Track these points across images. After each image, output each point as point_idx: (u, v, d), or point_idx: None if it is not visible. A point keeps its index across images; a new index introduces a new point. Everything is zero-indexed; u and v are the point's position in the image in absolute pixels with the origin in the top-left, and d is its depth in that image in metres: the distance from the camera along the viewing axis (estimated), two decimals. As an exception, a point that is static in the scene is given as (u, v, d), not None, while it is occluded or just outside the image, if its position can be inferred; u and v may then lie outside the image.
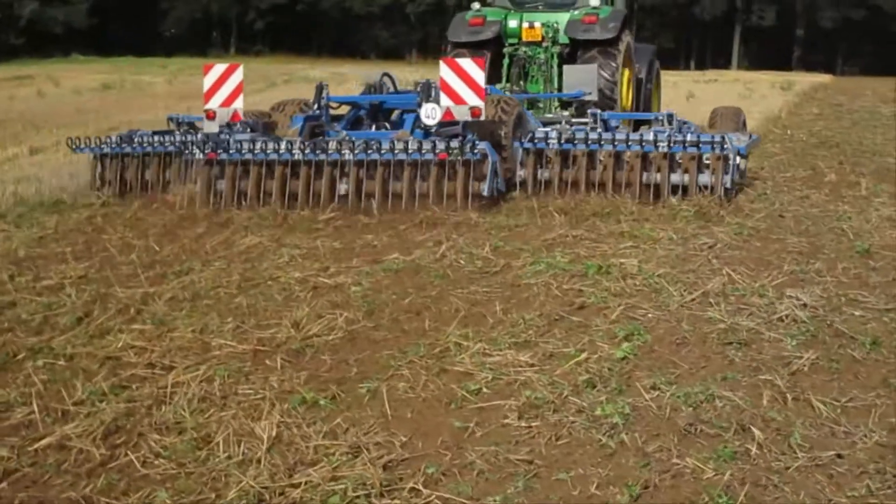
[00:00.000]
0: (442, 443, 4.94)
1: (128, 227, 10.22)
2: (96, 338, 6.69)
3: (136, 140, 12.11)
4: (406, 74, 40.80)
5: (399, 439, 4.98)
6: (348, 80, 36.85)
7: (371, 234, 9.70)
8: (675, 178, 10.97)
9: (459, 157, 10.44)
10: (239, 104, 11.90)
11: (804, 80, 45.55)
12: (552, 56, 15.41)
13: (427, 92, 11.50)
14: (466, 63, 11.23)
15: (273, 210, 10.52)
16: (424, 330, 6.73)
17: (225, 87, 11.93)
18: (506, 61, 15.54)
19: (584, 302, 7.31)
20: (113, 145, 12.22)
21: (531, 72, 15.50)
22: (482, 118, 11.02)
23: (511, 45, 15.64)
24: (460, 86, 11.00)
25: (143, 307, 7.36)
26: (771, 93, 31.91)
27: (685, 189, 10.88)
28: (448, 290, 7.66)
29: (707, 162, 10.90)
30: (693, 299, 7.32)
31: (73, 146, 12.42)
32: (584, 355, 6.07)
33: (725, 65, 74.24)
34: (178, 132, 12.55)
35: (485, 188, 10.65)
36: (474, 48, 15.12)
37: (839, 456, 4.66)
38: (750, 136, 12.65)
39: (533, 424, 5.10)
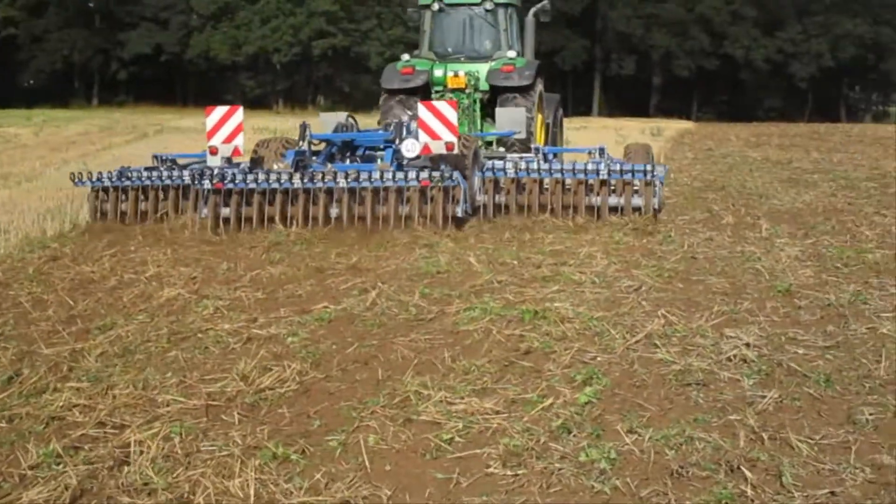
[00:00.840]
0: (430, 495, 4.81)
1: (34, 281, 9.81)
2: (32, 397, 6.36)
3: (133, 175, 13.52)
4: (277, 123, 40.77)
5: (384, 493, 4.83)
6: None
7: (293, 284, 9.52)
8: (612, 200, 13.17)
9: (440, 184, 12.20)
10: (239, 141, 13.75)
11: (670, 125, 46.67)
12: (475, 101, 17.60)
13: (399, 130, 14.17)
14: (442, 105, 13.32)
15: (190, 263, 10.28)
16: (378, 380, 6.58)
17: (226, 127, 13.72)
18: None
19: (530, 347, 7.27)
20: (113, 179, 13.53)
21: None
22: (455, 152, 12.92)
23: (437, 91, 17.66)
24: (436, 124, 13.05)
25: (73, 364, 7.05)
26: (642, 138, 32.39)
27: (621, 209, 13.12)
28: (389, 339, 7.54)
29: (636, 188, 13.18)
30: (637, 341, 7.33)
31: (75, 180, 13.54)
32: (548, 401, 6.01)
33: (587, 112, 75.60)
34: (162, 167, 13.99)
35: (459, 210, 12.39)
36: (406, 94, 17.36)
37: (833, 493, 4.67)
38: (663, 167, 13.98)
39: (519, 472, 5.00)
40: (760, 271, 9.93)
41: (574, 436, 5.46)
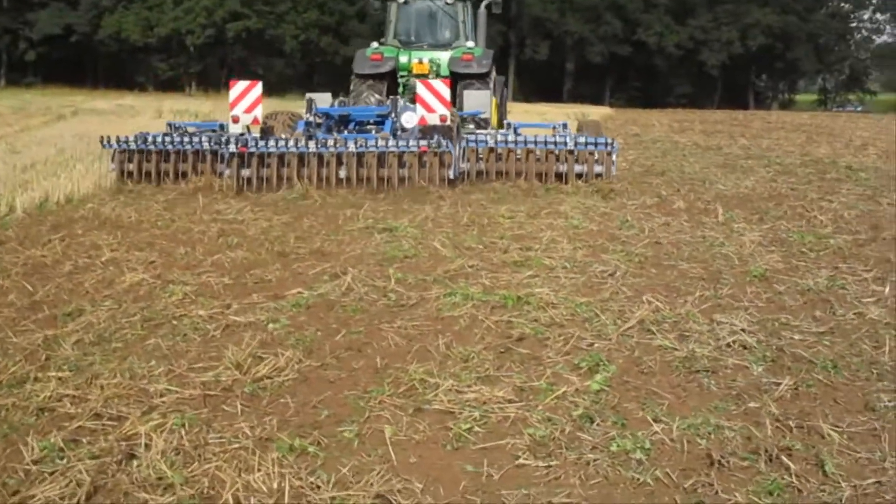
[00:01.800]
0: (465, 489, 4.62)
1: (-16, 266, 9.41)
2: (14, 387, 6.03)
3: (155, 139, 15.45)
4: (196, 106, 40.15)
5: (415, 486, 4.64)
6: (139, 112, 35.97)
7: (259, 269, 9.27)
8: (578, 167, 15.46)
9: (437, 150, 14.39)
10: (258, 112, 15.81)
11: (591, 111, 46.89)
12: None
13: (395, 106, 16.77)
14: (437, 83, 15.80)
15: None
16: (376, 368, 6.38)
17: (246, 99, 15.75)
18: (400, 89, 19.83)
19: (522, 333, 7.12)
20: (138, 143, 15.42)
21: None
22: (448, 124, 15.30)
23: (402, 76, 20.00)
24: (432, 100, 15.58)
25: (49, 353, 6.71)
26: (572, 124, 32.60)
27: (586, 175, 15.41)
28: (375, 326, 7.34)
29: (596, 157, 15.56)
30: (630, 328, 7.22)
31: (103, 143, 15.64)
32: (560, 389, 5.86)
33: (502, 97, 75.62)
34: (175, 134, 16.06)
35: (451, 172, 14.56)
36: (375, 79, 19.82)
37: (880, 483, 4.58)
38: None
39: (552, 464, 4.84)
40: (729, 256, 9.90)
41: (598, 425, 5.32)
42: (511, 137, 15.69)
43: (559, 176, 15.40)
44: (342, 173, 14.62)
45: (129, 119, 32.64)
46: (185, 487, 4.62)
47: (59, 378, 6.15)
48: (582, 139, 15.53)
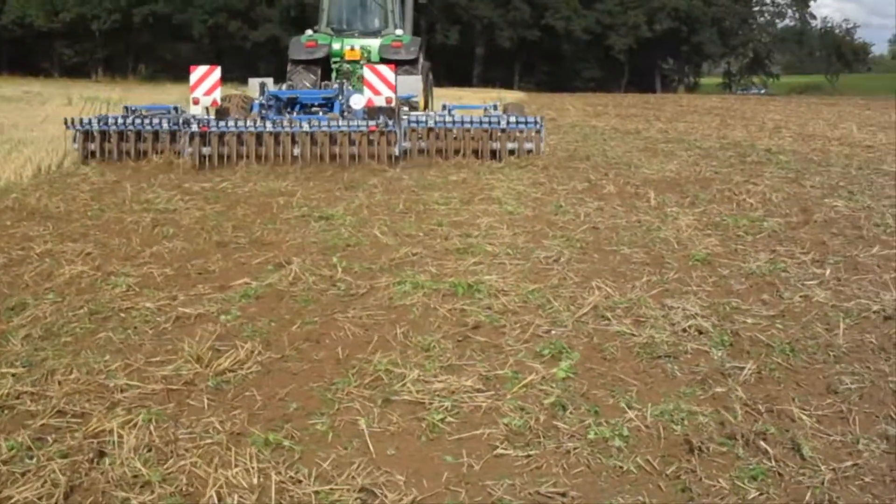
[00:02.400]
0: (448, 480, 4.59)
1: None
2: (-33, 385, 5.88)
3: (116, 121, 16.82)
4: (106, 93, 39.52)
5: (397, 478, 4.60)
6: (48, 99, 35.38)
7: (199, 259, 9.16)
8: (510, 145, 17.06)
9: (385, 129, 15.98)
10: (217, 95, 17.23)
11: (505, 95, 47.00)
12: None
13: (342, 89, 18.88)
14: (383, 68, 17.10)
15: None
16: (338, 359, 6.32)
17: (206, 82, 17.17)
18: (333, 74, 21.65)
19: (478, 321, 7.10)
20: (101, 124, 16.75)
21: (353, 81, 20.44)
22: (392, 105, 16.79)
23: (335, 61, 21.68)
24: (378, 83, 16.88)
25: (-2, 348, 6.56)
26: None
27: (517, 151, 17.05)
28: (330, 316, 7.28)
29: (525, 135, 17.23)
30: (585, 314, 7.24)
31: (67, 125, 16.65)
32: (527, 377, 5.86)
33: (413, 82, 75.60)
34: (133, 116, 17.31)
35: (396, 150, 16.16)
36: (309, 64, 21.50)
37: (857, 466, 4.65)
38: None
39: (531, 453, 4.83)
40: (668, 241, 9.99)
41: (571, 413, 5.32)
42: (448, 118, 17.03)
43: (493, 153, 16.91)
44: (296, 151, 16.00)
45: (38, 107, 32.07)
46: (163, 485, 4.53)
47: (15, 374, 6.00)
48: (513, 119, 17.19)
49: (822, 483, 4.46)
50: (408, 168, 15.96)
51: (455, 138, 16.97)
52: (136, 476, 4.64)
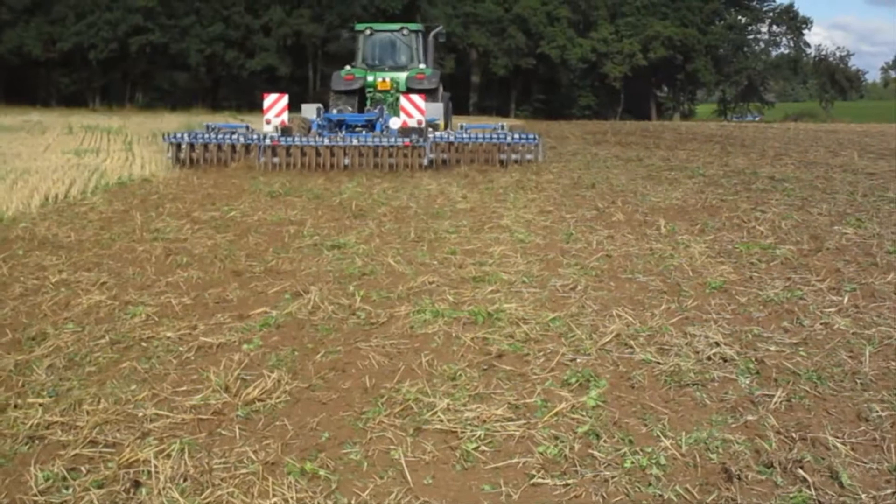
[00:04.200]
0: (490, 510, 4.59)
1: (-72, 289, 9.15)
2: (-5, 415, 5.87)
3: (204, 136, 21.52)
4: (107, 122, 39.56)
5: (439, 509, 4.59)
6: (49, 128, 35.41)
7: (216, 288, 9.16)
8: (514, 156, 21.93)
9: (416, 144, 20.69)
10: (285, 116, 21.96)
11: (504, 122, 46.93)
12: (397, 98, 24.81)
13: (381, 113, 24.06)
14: (416, 97, 22.03)
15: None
16: (365, 388, 6.32)
17: (276, 107, 21.89)
18: (368, 101, 26.27)
19: (501, 350, 7.10)
20: (190, 137, 21.48)
21: (386, 107, 25.39)
22: (422, 126, 21.71)
23: (369, 91, 26.36)
24: (412, 109, 21.90)
25: (24, 378, 6.55)
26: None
27: (518, 161, 21.82)
28: (353, 345, 7.28)
29: (528, 148, 22.22)
30: (607, 342, 7.24)
31: (165, 138, 21.82)
32: (557, 406, 5.85)
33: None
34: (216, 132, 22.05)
35: (425, 160, 20.70)
36: (348, 93, 26.10)
37: (896, 493, 4.65)
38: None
39: (569, 482, 4.83)
40: (683, 268, 9.99)
41: (605, 441, 5.32)
42: (465, 135, 22.14)
43: (500, 162, 21.58)
44: (346, 161, 20.66)
45: (39, 136, 32.18)
46: (205, 517, 4.52)
47: (42, 405, 6.00)
48: (516, 135, 22.51)
49: (864, 512, 4.46)
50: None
51: (471, 151, 21.58)
52: (174, 506, 4.62)
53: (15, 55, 70.54)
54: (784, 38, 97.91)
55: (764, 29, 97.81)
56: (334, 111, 24.86)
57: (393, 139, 20.82)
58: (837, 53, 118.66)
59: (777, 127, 54.00)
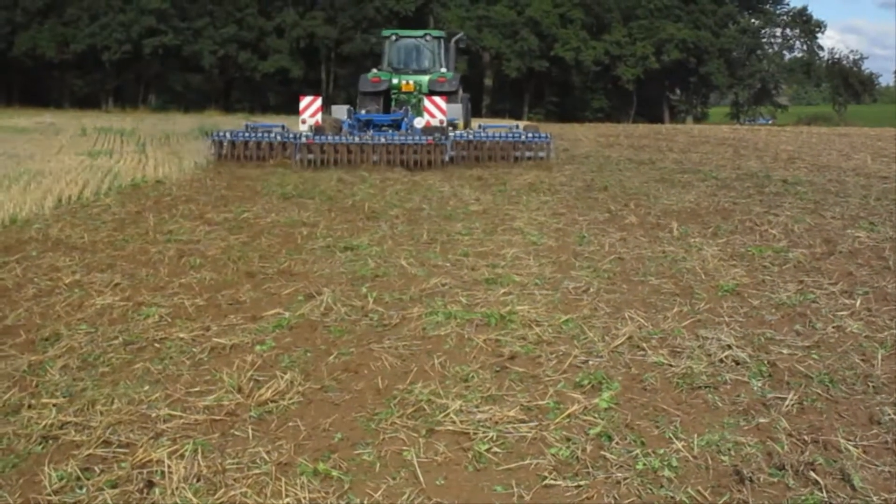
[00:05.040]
0: (504, 511, 4.60)
1: (-56, 290, 9.19)
2: (10, 415, 5.91)
3: (244, 134, 23.25)
4: (120, 124, 39.64)
5: (451, 510, 4.60)
6: (62, 129, 35.49)
7: (229, 289, 9.18)
8: (528, 153, 23.29)
9: (438, 142, 22.08)
10: (318, 117, 23.65)
11: (520, 125, 46.90)
12: (420, 100, 26.38)
13: (406, 113, 25.82)
14: (438, 99, 23.74)
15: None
16: (378, 389, 6.34)
17: (311, 108, 23.72)
18: (393, 102, 27.73)
19: (513, 352, 7.11)
20: (233, 135, 23.24)
21: (410, 108, 26.91)
22: (444, 125, 23.33)
23: (394, 93, 27.85)
24: (434, 110, 23.64)
25: (37, 379, 6.58)
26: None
27: (531, 158, 23.19)
28: (366, 346, 7.30)
29: (541, 146, 23.59)
30: (620, 344, 7.25)
31: (210, 135, 24.03)
32: (569, 408, 5.86)
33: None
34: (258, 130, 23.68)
35: (446, 157, 22.21)
36: (375, 95, 27.49)
37: (907, 497, 4.64)
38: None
39: (581, 484, 4.84)
40: (695, 271, 9.99)
41: (617, 443, 5.33)
42: (483, 134, 23.69)
43: (515, 158, 22.99)
44: (375, 157, 21.95)
45: (53, 137, 32.21)
46: (220, 517, 4.54)
47: (56, 405, 6.03)
48: (530, 134, 23.89)
49: (876, 515, 4.46)
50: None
51: (488, 148, 23.05)
52: (188, 506, 4.64)
53: (29, 57, 70.84)
54: (797, 42, 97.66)
55: (777, 32, 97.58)
56: (363, 111, 26.35)
57: (417, 137, 22.26)
58: (851, 57, 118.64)
59: (790, 130, 53.85)
